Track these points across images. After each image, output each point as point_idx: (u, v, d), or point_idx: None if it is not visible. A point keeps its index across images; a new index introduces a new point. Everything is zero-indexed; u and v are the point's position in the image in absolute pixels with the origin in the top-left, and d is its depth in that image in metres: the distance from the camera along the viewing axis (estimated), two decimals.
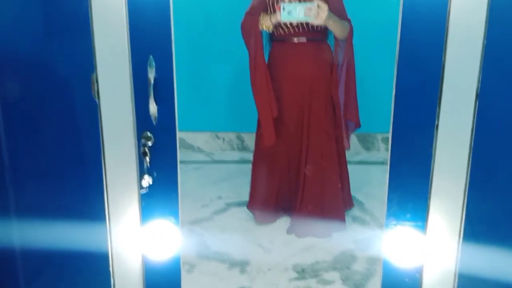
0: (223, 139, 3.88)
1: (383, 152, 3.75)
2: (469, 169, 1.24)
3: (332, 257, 2.34)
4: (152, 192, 1.27)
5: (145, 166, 1.24)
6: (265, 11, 2.38)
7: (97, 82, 1.19)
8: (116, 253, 1.33)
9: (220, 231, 2.60)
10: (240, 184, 3.07)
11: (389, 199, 1.31)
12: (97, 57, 1.17)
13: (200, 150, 3.87)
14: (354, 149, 3.65)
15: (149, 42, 1.16)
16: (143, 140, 1.23)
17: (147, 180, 1.25)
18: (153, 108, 1.21)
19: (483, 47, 1.14)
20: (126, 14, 1.14)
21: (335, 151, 2.48)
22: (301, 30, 2.37)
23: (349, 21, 2.35)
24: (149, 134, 1.23)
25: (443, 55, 1.16)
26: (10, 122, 1.27)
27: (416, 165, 1.27)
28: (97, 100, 1.21)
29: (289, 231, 2.55)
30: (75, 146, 1.27)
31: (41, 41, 1.21)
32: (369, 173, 3.38)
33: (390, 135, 1.26)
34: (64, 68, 1.22)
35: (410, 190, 1.29)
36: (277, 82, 2.44)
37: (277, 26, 2.37)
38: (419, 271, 1.32)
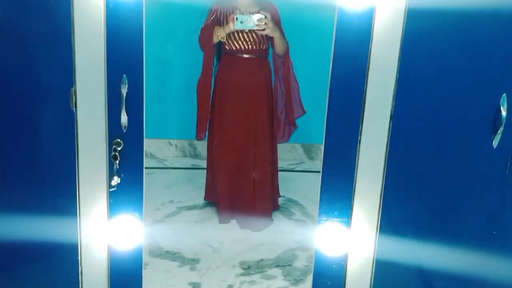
0: (176, 146, 4.04)
1: None
2: (384, 176, 1.52)
3: (276, 256, 2.57)
4: (120, 191, 1.46)
5: (114, 168, 1.43)
6: (219, 25, 2.65)
7: (75, 95, 1.38)
8: (84, 244, 1.50)
9: (171, 232, 2.77)
10: (192, 189, 3.25)
11: (321, 200, 1.57)
12: (77, 73, 1.36)
13: (153, 156, 4.01)
14: (299, 158, 3.93)
15: (123, 63, 1.36)
16: (114, 146, 1.42)
17: (116, 180, 1.44)
18: (124, 118, 1.41)
19: (396, 80, 1.43)
20: (104, 37, 1.34)
21: (272, 156, 2.80)
22: (249, 47, 2.64)
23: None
24: (119, 140, 1.43)
25: (365, 84, 1.44)
26: None
27: (343, 172, 1.54)
28: (74, 110, 1.39)
29: (244, 226, 2.79)
30: (52, 149, 1.43)
31: (29, 57, 1.38)
32: (311, 180, 3.64)
33: (322, 147, 1.53)
34: (47, 81, 1.39)
35: (337, 192, 1.56)
36: (226, 90, 2.72)
37: (229, 40, 2.63)
38: (344, 259, 1.60)
